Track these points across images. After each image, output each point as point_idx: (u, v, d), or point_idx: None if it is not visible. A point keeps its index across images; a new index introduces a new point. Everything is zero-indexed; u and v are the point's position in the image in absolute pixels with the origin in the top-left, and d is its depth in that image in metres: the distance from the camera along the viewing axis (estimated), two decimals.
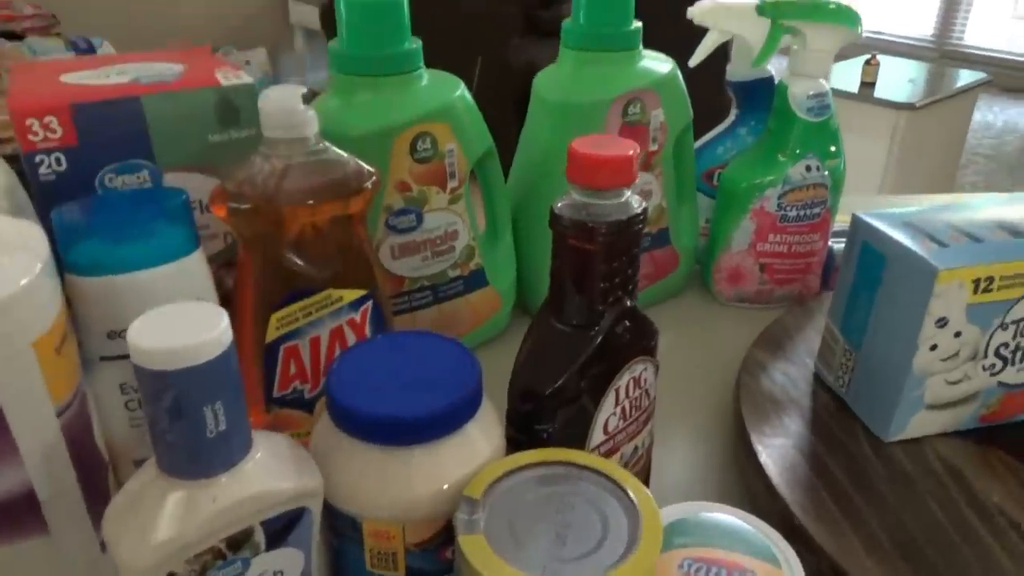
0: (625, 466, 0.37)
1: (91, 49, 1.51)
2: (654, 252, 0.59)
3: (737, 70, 0.61)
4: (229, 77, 0.39)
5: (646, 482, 0.41)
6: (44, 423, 0.29)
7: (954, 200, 0.48)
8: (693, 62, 0.58)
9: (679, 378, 0.52)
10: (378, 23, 0.45)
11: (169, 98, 0.38)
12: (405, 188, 0.47)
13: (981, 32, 4.37)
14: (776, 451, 0.42)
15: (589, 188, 0.32)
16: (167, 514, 0.25)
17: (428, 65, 0.48)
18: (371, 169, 0.39)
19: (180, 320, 0.24)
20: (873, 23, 4.81)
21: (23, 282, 0.27)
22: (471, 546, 0.26)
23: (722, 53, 0.60)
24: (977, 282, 0.38)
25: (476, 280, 0.53)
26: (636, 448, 0.38)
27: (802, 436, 0.43)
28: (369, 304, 0.40)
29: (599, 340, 0.33)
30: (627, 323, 0.34)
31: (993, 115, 3.77)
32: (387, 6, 0.45)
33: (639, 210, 0.32)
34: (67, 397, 0.30)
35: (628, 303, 0.34)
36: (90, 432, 0.32)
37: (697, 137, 0.63)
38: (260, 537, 0.27)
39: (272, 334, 0.38)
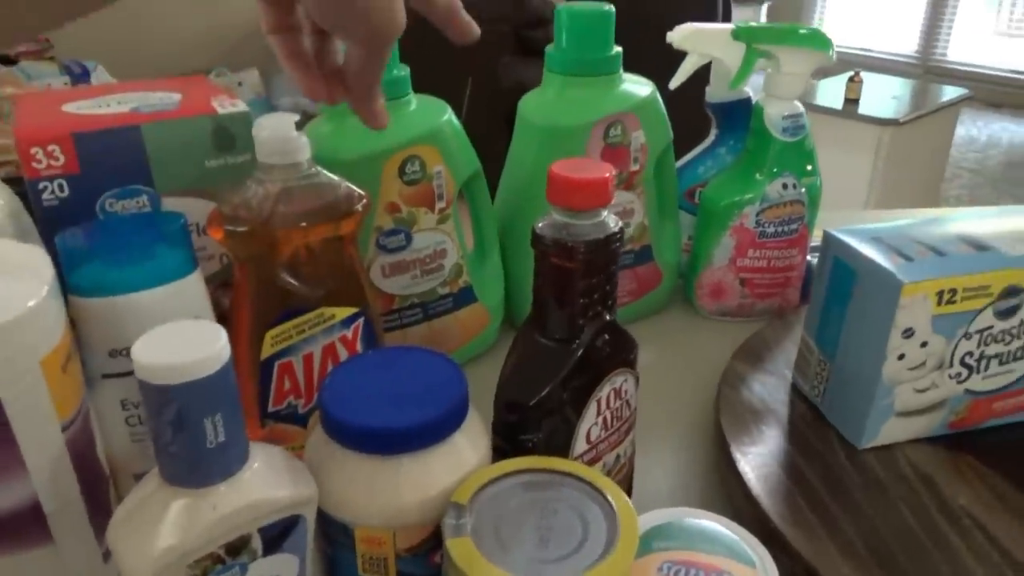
0: (608, 474, 0.39)
1: (85, 73, 1.53)
2: (637, 268, 0.61)
3: (716, 92, 0.63)
4: (225, 105, 0.41)
5: (629, 490, 0.42)
6: (50, 438, 0.30)
7: (940, 214, 0.50)
8: (673, 84, 0.60)
9: (663, 389, 0.54)
10: None
11: (167, 126, 0.39)
12: (395, 209, 0.49)
13: (964, 48, 4.45)
14: (755, 459, 0.43)
15: (568, 209, 0.33)
16: (169, 521, 0.26)
17: (421, 82, 0.50)
18: (361, 192, 0.41)
19: (181, 338, 0.25)
20: (859, 40, 4.89)
21: (31, 304, 0.28)
22: (458, 549, 0.27)
23: (702, 76, 0.63)
24: (941, 294, 0.39)
25: (465, 297, 0.54)
26: (618, 457, 0.39)
27: (780, 444, 0.45)
28: (360, 321, 0.42)
29: (580, 353, 0.35)
30: (607, 336, 0.36)
31: (977, 129, 3.82)
32: None
33: (616, 229, 0.34)
34: (72, 413, 0.31)
35: (607, 317, 0.36)
36: (93, 447, 0.34)
37: (678, 157, 0.65)
38: (257, 543, 0.28)
39: (267, 351, 0.40)
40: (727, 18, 2.32)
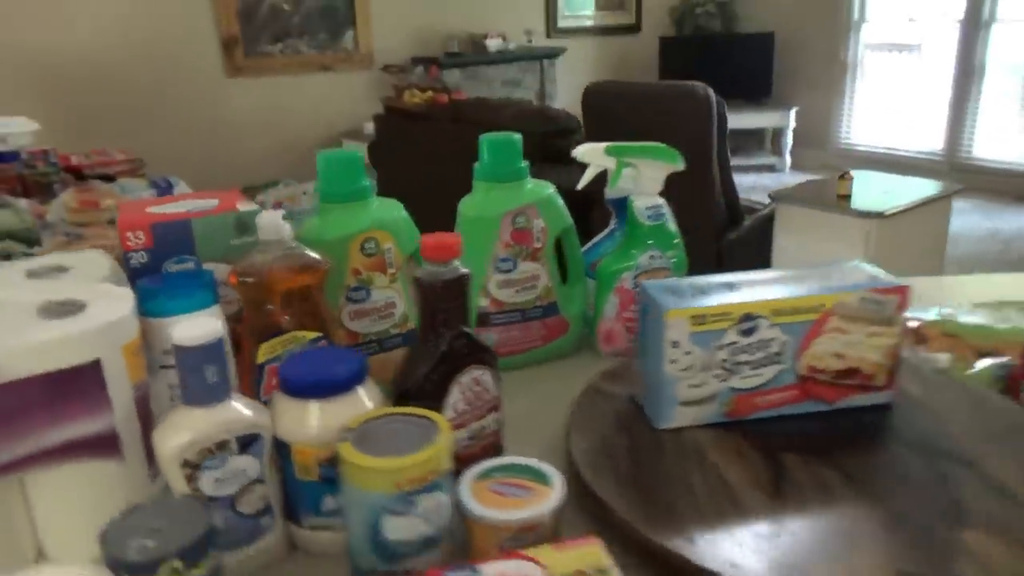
0: (473, 439, 0.59)
1: (169, 187, 1.86)
2: (546, 320, 0.81)
3: (609, 191, 0.86)
4: (245, 205, 0.66)
5: (497, 455, 0.62)
6: (125, 393, 0.53)
7: (739, 277, 0.69)
8: (579, 187, 0.83)
9: (555, 402, 0.73)
10: (342, 171, 0.71)
11: (208, 220, 0.64)
12: (358, 273, 0.72)
13: (990, 145, 4.60)
14: (585, 438, 0.62)
15: (433, 260, 0.56)
16: (186, 425, 0.48)
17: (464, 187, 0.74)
18: (324, 259, 0.64)
19: (196, 324, 0.48)
20: (886, 140, 5.08)
21: (123, 313, 0.52)
22: (343, 449, 0.48)
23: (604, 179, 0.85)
24: (695, 317, 0.59)
25: (409, 337, 0.76)
26: (483, 427, 0.60)
27: (609, 429, 0.64)
28: (323, 342, 0.64)
29: (442, 351, 0.56)
30: (464, 341, 0.57)
31: (1005, 222, 3.92)
32: (348, 161, 0.71)
33: (463, 272, 0.56)
34: (137, 382, 0.54)
35: (463, 329, 0.57)
36: (148, 404, 0.56)
37: (589, 239, 0.87)
38: (234, 445, 0.49)
39: (261, 358, 0.62)
40: (722, 126, 2.56)
